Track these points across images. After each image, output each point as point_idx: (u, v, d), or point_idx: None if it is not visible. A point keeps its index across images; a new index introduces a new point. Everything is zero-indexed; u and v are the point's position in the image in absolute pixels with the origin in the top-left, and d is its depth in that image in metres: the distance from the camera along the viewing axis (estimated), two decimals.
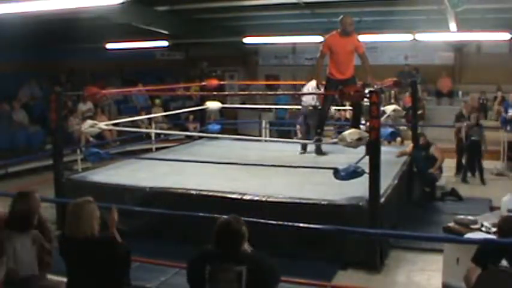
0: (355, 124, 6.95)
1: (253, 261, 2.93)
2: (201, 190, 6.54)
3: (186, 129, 13.59)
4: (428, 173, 8.49)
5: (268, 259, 3.04)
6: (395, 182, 7.00)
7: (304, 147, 8.38)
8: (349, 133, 6.31)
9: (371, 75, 6.87)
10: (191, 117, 13.88)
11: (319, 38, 14.24)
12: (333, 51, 6.68)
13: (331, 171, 5.90)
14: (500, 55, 14.30)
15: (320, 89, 7.19)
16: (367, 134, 5.97)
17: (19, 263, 3.50)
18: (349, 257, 5.82)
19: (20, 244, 3.54)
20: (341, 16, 6.82)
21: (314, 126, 7.68)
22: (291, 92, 15.23)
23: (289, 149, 9.04)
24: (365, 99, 6.18)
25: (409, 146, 9.04)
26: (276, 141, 11.30)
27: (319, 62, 6.98)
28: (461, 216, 5.30)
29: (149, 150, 11.56)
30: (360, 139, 6.18)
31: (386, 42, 14.59)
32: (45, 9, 7.92)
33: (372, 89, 6.08)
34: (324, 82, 7.09)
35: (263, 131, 12.53)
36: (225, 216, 3.07)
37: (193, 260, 3.05)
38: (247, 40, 14.73)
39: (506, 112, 12.27)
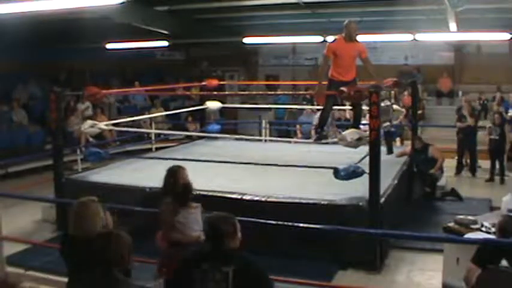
0: (356, 124, 6.94)
1: (241, 263, 2.91)
2: (201, 190, 6.53)
3: (186, 130, 13.59)
4: (429, 173, 8.47)
5: (257, 263, 3.01)
6: (395, 182, 7.01)
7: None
8: (349, 133, 6.32)
9: (376, 79, 6.81)
10: (189, 118, 13.86)
11: (319, 38, 14.27)
12: (337, 56, 6.64)
13: (331, 171, 5.91)
14: (500, 55, 14.30)
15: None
16: (367, 134, 5.97)
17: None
18: (349, 257, 5.83)
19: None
20: (346, 21, 6.72)
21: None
22: (290, 92, 15.23)
23: (289, 149, 9.04)
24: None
25: (409, 146, 9.02)
26: (277, 140, 11.30)
27: (323, 67, 6.91)
28: (461, 216, 5.29)
29: (149, 150, 11.56)
30: (359, 139, 6.19)
31: (387, 42, 14.59)
32: (45, 9, 7.92)
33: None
34: (324, 82, 7.09)
35: (263, 131, 12.54)
36: (215, 213, 3.08)
37: (182, 263, 3.09)
38: (247, 40, 14.72)
39: (507, 112, 12.27)
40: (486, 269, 3.51)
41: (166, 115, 13.39)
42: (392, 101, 12.74)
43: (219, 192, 6.45)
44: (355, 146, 6.31)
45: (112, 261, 2.76)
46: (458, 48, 15.15)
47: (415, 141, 8.68)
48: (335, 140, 6.90)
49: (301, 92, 14.03)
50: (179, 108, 13.13)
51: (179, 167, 4.66)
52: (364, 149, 6.12)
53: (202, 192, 6.47)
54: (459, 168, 10.62)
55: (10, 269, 5.57)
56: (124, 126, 10.14)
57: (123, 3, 8.05)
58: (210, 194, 6.44)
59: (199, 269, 2.88)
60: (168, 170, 4.57)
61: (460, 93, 14.71)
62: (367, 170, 5.77)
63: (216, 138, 10.41)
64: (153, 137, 12.54)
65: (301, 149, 9.08)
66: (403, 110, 10.56)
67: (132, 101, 15.37)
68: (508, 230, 3.81)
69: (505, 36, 12.45)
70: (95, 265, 2.79)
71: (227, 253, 2.93)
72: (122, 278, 2.78)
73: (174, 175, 4.50)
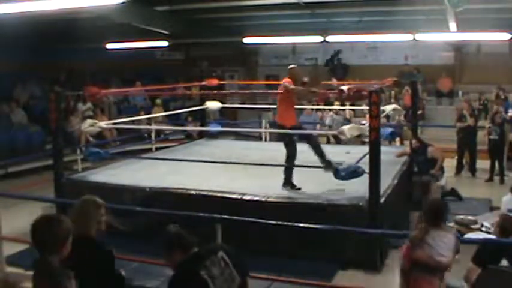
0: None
1: (222, 246, 3.28)
2: (201, 190, 6.55)
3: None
4: (429, 174, 8.41)
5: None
6: (395, 182, 7.00)
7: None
8: (349, 128, 6.31)
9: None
10: (189, 118, 13.86)
11: (319, 38, 14.28)
12: (291, 96, 6.70)
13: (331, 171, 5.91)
14: (500, 55, 14.28)
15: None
16: (366, 131, 5.97)
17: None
18: (349, 257, 5.83)
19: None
20: (292, 67, 6.88)
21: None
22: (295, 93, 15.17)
23: None
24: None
25: (408, 146, 8.97)
26: (276, 132, 11.25)
27: (301, 89, 6.86)
28: (461, 216, 5.31)
29: (149, 150, 11.56)
30: (359, 136, 6.20)
31: (387, 42, 14.59)
32: (45, 9, 7.92)
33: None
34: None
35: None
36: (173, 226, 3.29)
37: (185, 276, 3.02)
38: (247, 40, 14.73)
39: (506, 112, 12.26)
40: (486, 269, 3.52)
41: (166, 115, 13.39)
42: (393, 100, 12.87)
43: (219, 192, 6.45)
44: (354, 143, 6.32)
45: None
46: (458, 48, 15.14)
47: (412, 141, 8.63)
48: (335, 132, 6.88)
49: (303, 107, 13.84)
50: (179, 108, 13.13)
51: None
52: (364, 149, 6.13)
53: (202, 192, 6.51)
54: (459, 168, 10.61)
55: (10, 269, 5.57)
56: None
57: (123, 3, 8.05)
58: (210, 194, 6.45)
59: (205, 270, 2.94)
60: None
61: (460, 93, 14.71)
62: (367, 170, 5.77)
63: (216, 138, 10.39)
64: (153, 137, 12.53)
65: (301, 149, 9.06)
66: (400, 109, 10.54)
67: (132, 101, 15.37)
68: (508, 229, 3.81)
69: (505, 36, 12.45)
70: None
71: (207, 246, 3.15)
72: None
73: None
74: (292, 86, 6.54)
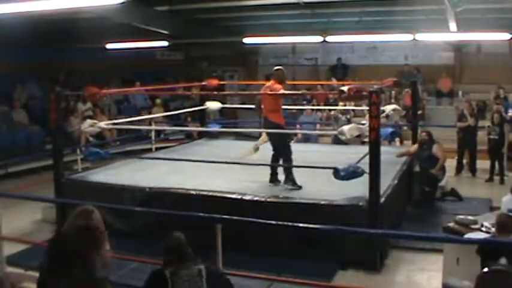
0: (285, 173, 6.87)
1: (209, 265, 3.33)
2: (201, 190, 6.55)
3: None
4: (430, 173, 8.39)
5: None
6: (395, 182, 7.00)
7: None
8: (349, 128, 6.31)
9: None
10: (189, 118, 13.86)
11: (319, 38, 14.27)
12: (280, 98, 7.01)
13: (331, 171, 5.91)
14: (500, 55, 14.27)
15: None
16: (366, 131, 5.97)
17: None
18: (349, 257, 5.83)
19: None
20: (278, 68, 7.13)
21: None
22: (292, 92, 15.16)
23: None
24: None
25: (413, 146, 8.88)
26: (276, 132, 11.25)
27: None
28: (461, 216, 5.30)
29: (149, 150, 11.55)
30: (359, 136, 6.20)
31: (386, 42, 14.60)
32: (45, 9, 7.92)
33: None
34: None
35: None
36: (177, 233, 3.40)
37: (153, 273, 3.30)
38: (247, 40, 14.71)
39: (506, 112, 12.25)
40: (486, 268, 3.51)
41: (166, 115, 13.38)
42: (393, 100, 12.86)
43: (219, 192, 6.45)
44: (353, 143, 6.34)
45: (91, 254, 2.41)
46: (458, 48, 15.13)
47: (421, 134, 8.58)
48: (335, 132, 6.89)
49: (300, 92, 13.93)
50: (179, 109, 13.13)
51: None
52: (364, 149, 6.12)
53: (202, 192, 6.51)
54: (459, 168, 10.61)
55: (10, 269, 5.57)
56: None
57: (123, 3, 8.05)
58: (210, 194, 6.45)
59: (171, 269, 3.15)
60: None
61: (460, 93, 14.70)
62: (367, 170, 5.78)
63: (216, 138, 10.38)
64: (153, 137, 12.53)
65: (301, 148, 9.07)
66: (400, 109, 10.52)
67: (132, 101, 15.37)
68: (505, 226, 3.80)
69: (505, 36, 12.43)
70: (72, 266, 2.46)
71: (193, 255, 3.30)
72: (105, 277, 2.47)
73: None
74: (283, 91, 7.01)
